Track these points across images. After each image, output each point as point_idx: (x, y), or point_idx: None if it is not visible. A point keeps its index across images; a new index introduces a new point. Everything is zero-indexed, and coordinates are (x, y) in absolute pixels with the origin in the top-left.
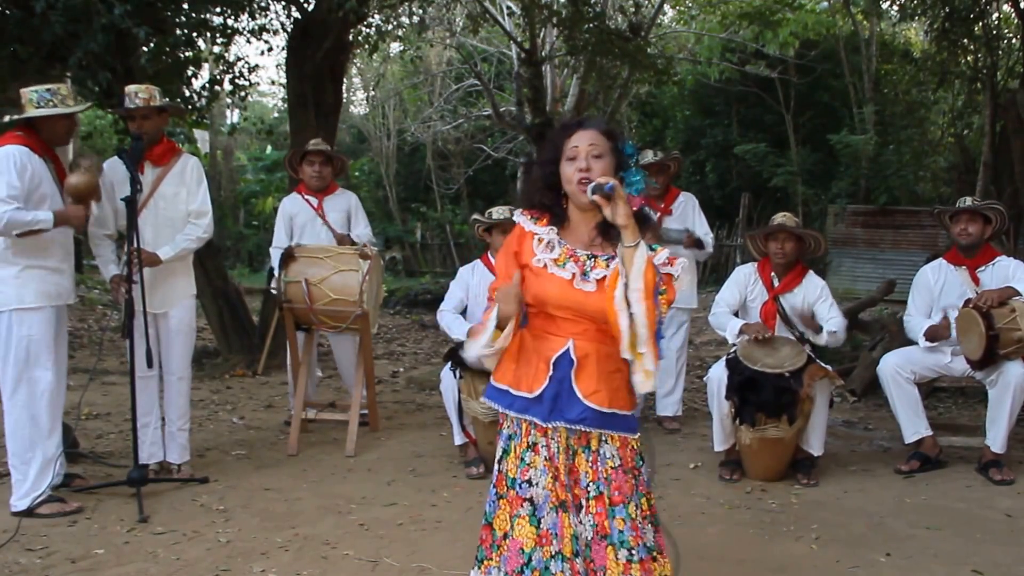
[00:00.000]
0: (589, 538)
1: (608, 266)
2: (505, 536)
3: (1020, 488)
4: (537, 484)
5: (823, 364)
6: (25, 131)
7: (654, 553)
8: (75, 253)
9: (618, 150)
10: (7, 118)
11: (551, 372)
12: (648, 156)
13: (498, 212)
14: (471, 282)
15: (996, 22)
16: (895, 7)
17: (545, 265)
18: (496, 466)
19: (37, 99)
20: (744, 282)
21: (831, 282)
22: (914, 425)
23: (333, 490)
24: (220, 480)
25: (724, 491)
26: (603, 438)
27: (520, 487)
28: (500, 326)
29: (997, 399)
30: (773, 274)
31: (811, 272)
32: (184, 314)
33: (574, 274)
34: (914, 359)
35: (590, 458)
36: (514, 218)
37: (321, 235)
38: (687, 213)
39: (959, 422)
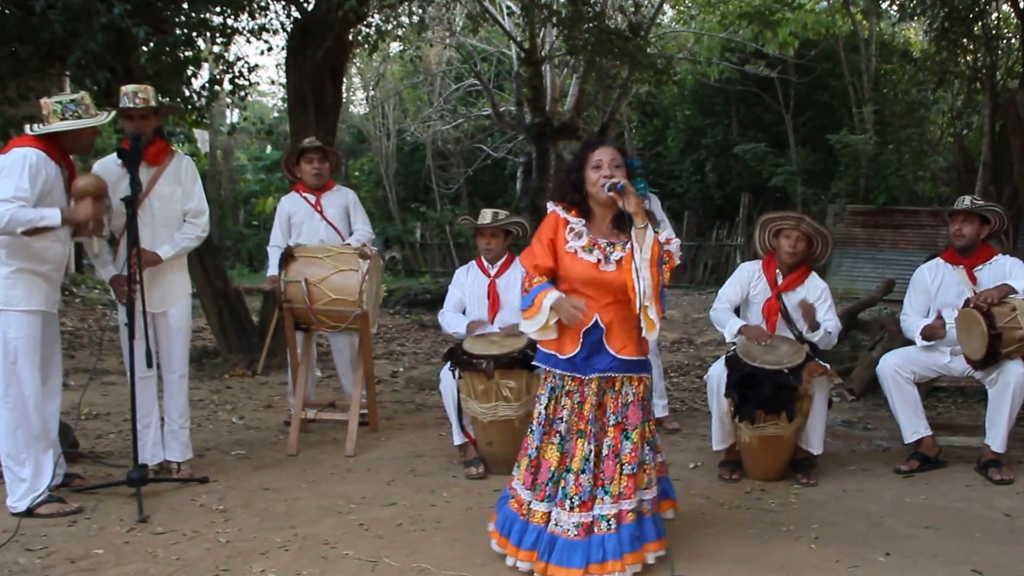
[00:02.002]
0: (605, 455)
1: (624, 249)
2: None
3: (1019, 488)
4: (565, 421)
5: (821, 362)
6: (44, 136)
7: (645, 465)
8: (74, 253)
9: (627, 164)
10: (32, 127)
11: (582, 340)
12: None
13: (490, 215)
14: (466, 283)
15: (995, 22)
16: (894, 7)
17: (576, 251)
18: (540, 409)
19: (62, 110)
20: (747, 279)
21: (830, 282)
22: (913, 425)
23: (333, 490)
24: (220, 480)
25: (724, 491)
26: (624, 380)
27: (554, 423)
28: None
29: (996, 399)
30: (778, 271)
31: (814, 273)
32: (183, 313)
33: (599, 259)
34: (913, 359)
35: (614, 396)
36: (549, 208)
37: (320, 231)
38: (657, 213)
39: (958, 422)
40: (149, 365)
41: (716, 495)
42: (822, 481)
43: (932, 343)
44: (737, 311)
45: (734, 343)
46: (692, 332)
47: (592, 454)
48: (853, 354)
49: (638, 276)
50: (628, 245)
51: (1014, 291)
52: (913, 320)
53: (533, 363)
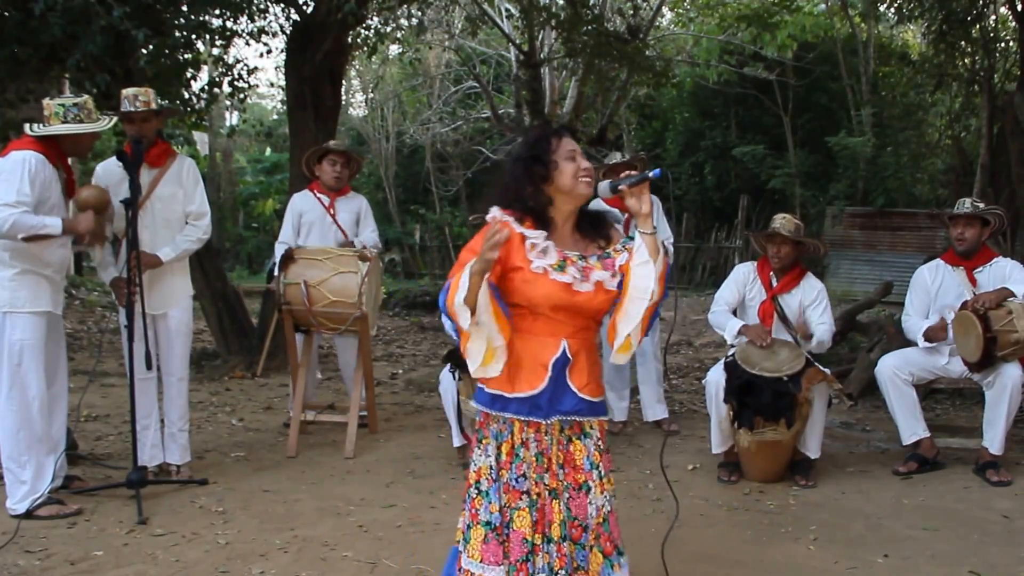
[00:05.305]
0: (608, 512)
1: (602, 267)
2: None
3: (1017, 489)
4: (528, 478)
5: (821, 368)
6: (43, 138)
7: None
8: (74, 255)
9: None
10: (32, 128)
11: (549, 373)
12: (616, 157)
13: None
14: None
15: (993, 24)
16: (892, 9)
17: (546, 271)
18: (489, 463)
19: (64, 113)
20: (743, 281)
21: (829, 284)
22: (912, 427)
23: (332, 492)
24: (219, 482)
25: (723, 492)
26: (590, 424)
27: (517, 482)
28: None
29: (994, 401)
30: (772, 274)
31: (810, 274)
32: (183, 315)
33: (575, 278)
34: (912, 360)
35: (587, 443)
36: (491, 216)
37: (329, 234)
38: (654, 215)
39: (956, 424)
40: (149, 367)
41: (715, 496)
42: (821, 483)
43: (935, 344)
44: (736, 314)
45: (733, 345)
46: (691, 334)
47: (567, 517)
48: (851, 356)
49: (644, 299)
50: (599, 258)
51: (1013, 295)
52: (915, 321)
53: (475, 405)
